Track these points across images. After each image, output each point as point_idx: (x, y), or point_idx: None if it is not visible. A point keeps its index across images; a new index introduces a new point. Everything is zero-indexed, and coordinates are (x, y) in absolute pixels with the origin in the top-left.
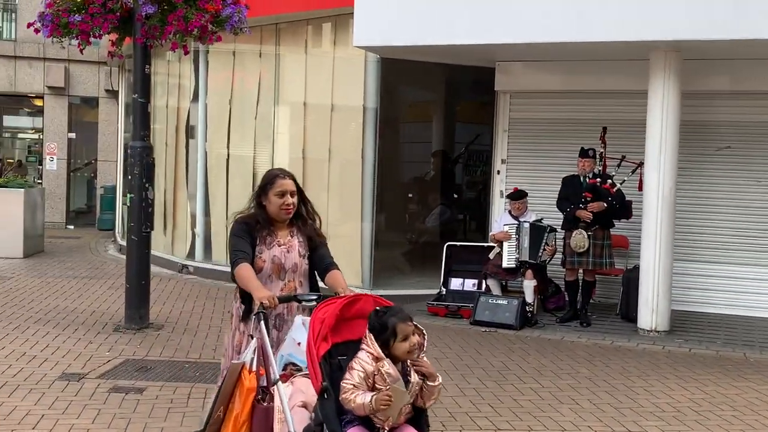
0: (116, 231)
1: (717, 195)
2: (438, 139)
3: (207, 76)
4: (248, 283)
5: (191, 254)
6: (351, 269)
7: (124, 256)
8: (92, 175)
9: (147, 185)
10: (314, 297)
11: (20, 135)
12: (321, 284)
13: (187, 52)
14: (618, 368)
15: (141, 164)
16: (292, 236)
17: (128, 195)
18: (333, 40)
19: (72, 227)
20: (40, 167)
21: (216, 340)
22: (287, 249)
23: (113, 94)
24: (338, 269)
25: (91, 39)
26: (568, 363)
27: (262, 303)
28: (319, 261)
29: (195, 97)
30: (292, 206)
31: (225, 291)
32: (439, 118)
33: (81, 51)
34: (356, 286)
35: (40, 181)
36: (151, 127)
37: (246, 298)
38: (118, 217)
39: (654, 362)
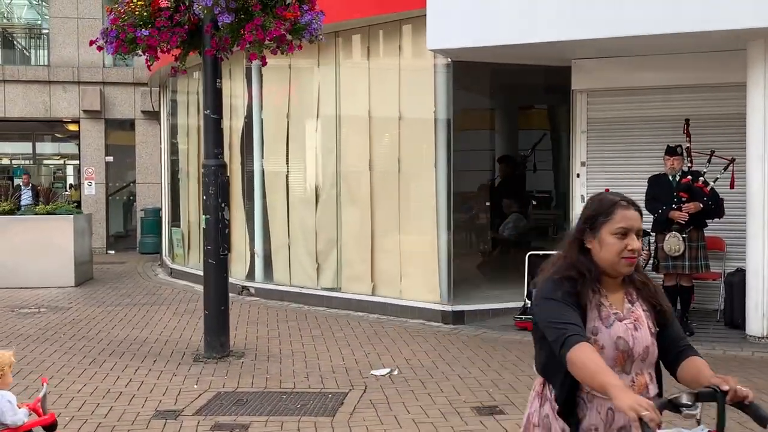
0: (164, 254)
1: None
2: (503, 144)
3: (261, 91)
4: (601, 376)
5: (251, 275)
6: (427, 285)
7: (177, 280)
8: (131, 198)
9: (223, 205)
10: (689, 401)
11: (45, 161)
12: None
13: (264, 63)
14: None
15: (216, 183)
16: (631, 302)
17: (203, 216)
18: (398, 47)
19: (113, 252)
20: (66, 193)
21: (305, 367)
22: (633, 324)
23: (150, 115)
24: (698, 354)
25: (135, 57)
26: None
27: (641, 418)
28: (672, 342)
29: (249, 114)
30: (637, 254)
31: (294, 313)
32: (504, 123)
33: (149, 67)
34: (434, 302)
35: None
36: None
37: (568, 393)
38: (165, 239)
39: None
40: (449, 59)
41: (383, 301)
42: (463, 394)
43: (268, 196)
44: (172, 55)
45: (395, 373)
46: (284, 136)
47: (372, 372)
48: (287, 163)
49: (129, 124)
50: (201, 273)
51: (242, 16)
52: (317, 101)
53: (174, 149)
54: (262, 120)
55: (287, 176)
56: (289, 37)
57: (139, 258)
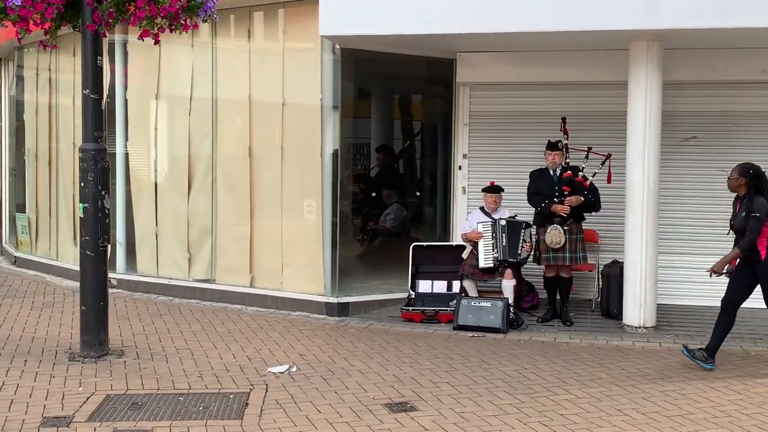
0: (4, 241)
1: (684, 186)
2: (382, 133)
3: (126, 70)
4: None
5: (112, 265)
6: (310, 276)
7: (24, 270)
8: None
9: (103, 193)
10: None
11: None
12: None
13: (157, 42)
14: (634, 371)
15: (96, 169)
16: None
17: (81, 205)
18: (282, 30)
19: None
20: None
21: (195, 365)
22: None
23: None
24: None
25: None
26: (581, 368)
27: None
28: None
29: (111, 93)
30: None
31: (166, 306)
32: (383, 113)
33: (19, 40)
34: (318, 294)
35: None
36: (50, 127)
37: None
38: (5, 225)
39: (664, 361)
40: (338, 45)
41: (262, 293)
42: (370, 390)
43: (133, 181)
44: (43, 29)
45: (294, 369)
46: (152, 118)
47: (269, 369)
48: (155, 147)
49: None
50: (50, 262)
51: None
52: (191, 83)
53: (19, 128)
54: (126, 100)
55: (155, 161)
56: (183, 14)
57: None
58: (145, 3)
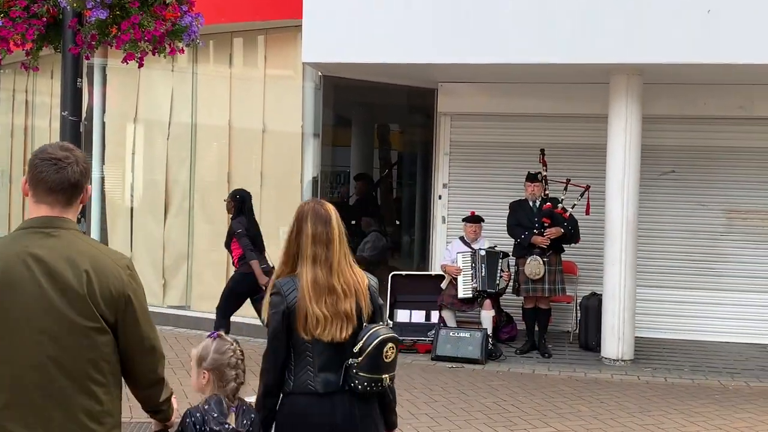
0: None
1: (662, 219)
2: (361, 162)
3: (104, 93)
4: None
5: None
6: None
7: None
8: None
9: (80, 218)
10: None
11: None
12: None
13: (141, 65)
14: (614, 405)
15: None
16: None
17: None
18: (264, 57)
19: None
20: None
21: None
22: None
23: None
24: None
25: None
26: (561, 401)
27: None
28: None
29: (89, 116)
30: None
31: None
32: (363, 141)
33: None
34: None
35: None
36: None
37: None
38: None
39: (643, 395)
40: (320, 73)
41: (238, 320)
42: None
43: (108, 205)
44: (25, 50)
45: None
46: (129, 142)
47: (247, 399)
48: (132, 171)
49: None
50: None
51: (117, 13)
52: (170, 108)
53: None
54: (104, 123)
55: (132, 185)
56: (167, 38)
57: None
58: (129, 26)
